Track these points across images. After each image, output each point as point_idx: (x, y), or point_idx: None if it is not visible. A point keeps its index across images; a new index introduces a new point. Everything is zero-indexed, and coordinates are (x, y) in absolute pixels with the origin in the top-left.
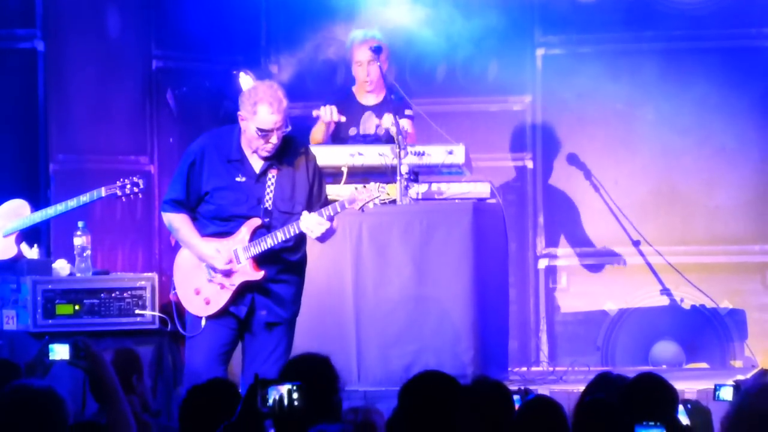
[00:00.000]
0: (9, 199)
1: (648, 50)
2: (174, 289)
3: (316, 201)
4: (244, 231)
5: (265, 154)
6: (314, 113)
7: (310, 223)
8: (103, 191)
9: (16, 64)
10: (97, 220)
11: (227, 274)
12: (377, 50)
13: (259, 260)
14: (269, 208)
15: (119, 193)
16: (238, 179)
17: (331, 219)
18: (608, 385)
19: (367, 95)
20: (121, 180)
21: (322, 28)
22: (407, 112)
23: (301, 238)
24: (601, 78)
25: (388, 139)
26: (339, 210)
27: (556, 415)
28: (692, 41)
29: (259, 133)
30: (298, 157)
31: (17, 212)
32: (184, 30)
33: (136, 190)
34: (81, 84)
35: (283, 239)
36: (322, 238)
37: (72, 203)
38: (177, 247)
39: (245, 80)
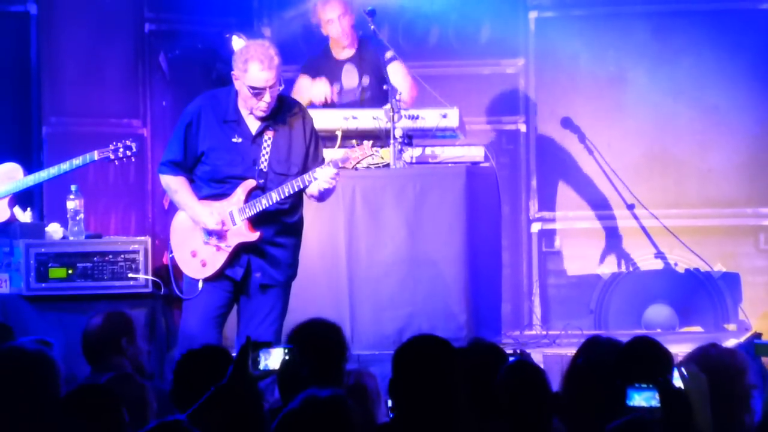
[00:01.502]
0: (2, 163)
1: (641, 13)
2: (171, 251)
3: (312, 162)
4: (240, 192)
5: (260, 113)
6: (306, 98)
7: (326, 174)
8: (96, 155)
9: (9, 27)
10: (90, 184)
11: (222, 235)
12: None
13: (255, 222)
14: (264, 170)
15: (112, 156)
16: (234, 140)
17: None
18: (598, 348)
19: (343, 50)
20: (114, 143)
21: None
22: (389, 54)
23: (297, 200)
24: (594, 41)
25: (372, 93)
26: (337, 166)
27: (536, 379)
28: (685, 3)
29: (252, 91)
30: (295, 118)
31: (10, 175)
32: None
33: (129, 153)
34: (73, 47)
35: (278, 200)
36: (323, 197)
37: (65, 166)
38: (170, 210)
39: (238, 43)
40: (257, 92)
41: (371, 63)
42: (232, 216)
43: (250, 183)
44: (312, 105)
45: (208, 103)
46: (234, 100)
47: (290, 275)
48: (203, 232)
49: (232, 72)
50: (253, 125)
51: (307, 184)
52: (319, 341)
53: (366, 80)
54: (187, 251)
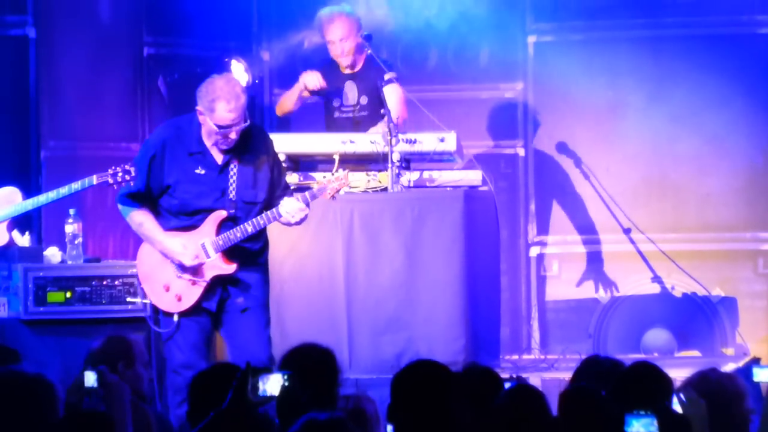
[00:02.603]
0: (0, 187)
1: (639, 37)
2: (140, 284)
3: (277, 186)
4: (210, 223)
5: (224, 147)
6: (301, 84)
7: (291, 209)
8: (94, 179)
9: (8, 51)
10: (88, 208)
11: (196, 269)
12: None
13: (228, 252)
14: (233, 199)
15: (111, 180)
16: (198, 171)
17: (307, 205)
18: (597, 368)
19: (346, 67)
20: (113, 167)
21: (314, 15)
22: (387, 76)
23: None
24: (593, 65)
25: (369, 113)
26: (310, 200)
27: (536, 403)
28: (684, 28)
29: (217, 130)
30: (257, 143)
31: (8, 199)
32: (176, 16)
33: (127, 177)
34: (72, 71)
35: (252, 232)
36: (297, 223)
37: (63, 191)
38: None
39: (237, 67)
40: (223, 131)
41: (372, 83)
42: (205, 248)
43: (221, 214)
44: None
45: (172, 134)
46: (197, 131)
47: (267, 294)
48: (175, 266)
49: (197, 107)
50: (218, 156)
51: (277, 218)
52: (311, 366)
53: (364, 99)
54: (159, 285)
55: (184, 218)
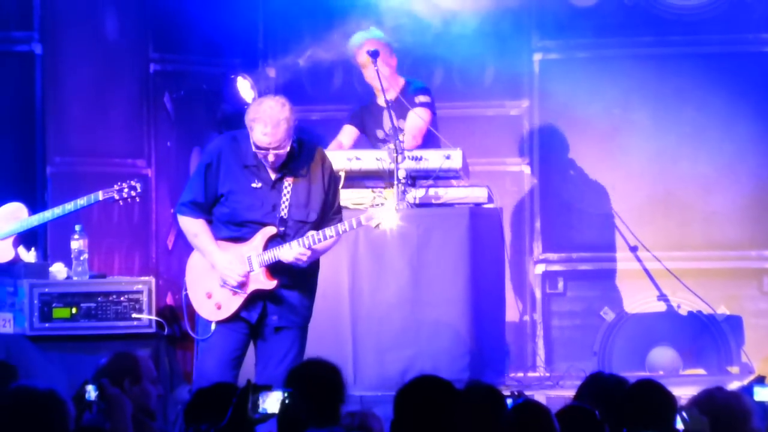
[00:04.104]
0: (6, 202)
1: (645, 55)
2: (185, 289)
3: (329, 208)
4: (259, 238)
5: (268, 165)
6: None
7: (288, 256)
8: (100, 195)
9: (14, 67)
10: (94, 224)
11: (242, 283)
12: (373, 54)
13: (272, 267)
14: (285, 217)
15: (116, 196)
16: (253, 185)
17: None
18: (601, 385)
19: (379, 95)
20: (119, 183)
21: (320, 32)
22: (418, 99)
23: None
24: (598, 83)
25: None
26: (354, 226)
27: (543, 419)
28: (689, 46)
29: (255, 148)
30: (314, 163)
31: (14, 215)
32: (182, 33)
33: (133, 193)
34: (78, 87)
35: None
36: (324, 252)
37: (69, 207)
38: (174, 250)
39: (243, 84)
40: (260, 151)
41: (406, 108)
42: (250, 261)
43: (271, 230)
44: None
45: (228, 144)
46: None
47: (306, 317)
48: (220, 276)
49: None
50: (272, 172)
51: (311, 245)
52: (316, 382)
53: (402, 123)
54: (203, 292)
55: (233, 228)
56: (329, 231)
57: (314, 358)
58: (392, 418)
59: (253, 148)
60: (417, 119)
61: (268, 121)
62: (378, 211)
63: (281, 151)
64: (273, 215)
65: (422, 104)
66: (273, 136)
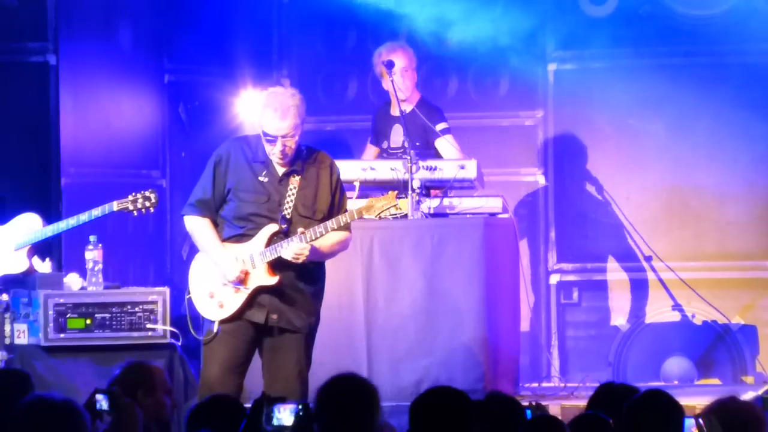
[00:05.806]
0: (21, 213)
1: (660, 65)
2: (188, 292)
3: (337, 212)
4: (262, 236)
5: (276, 160)
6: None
7: (289, 251)
8: (115, 205)
9: (29, 77)
10: (108, 234)
11: (241, 278)
12: (388, 65)
13: (276, 266)
14: (288, 215)
15: (131, 207)
16: (260, 178)
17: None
18: (612, 394)
19: (394, 107)
20: (133, 194)
21: (334, 42)
22: (438, 127)
23: None
24: (613, 93)
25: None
26: (356, 217)
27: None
28: (704, 56)
29: (265, 137)
30: (322, 168)
31: (29, 226)
32: (196, 44)
33: (148, 204)
34: (93, 98)
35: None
36: (328, 256)
37: (83, 217)
38: (189, 260)
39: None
40: (269, 139)
41: (419, 127)
42: (253, 258)
43: (273, 227)
44: None
45: (237, 144)
46: (263, 145)
47: (310, 323)
48: (222, 274)
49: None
50: (280, 169)
51: (328, 231)
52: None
53: (408, 143)
54: (205, 292)
55: (238, 226)
56: (330, 224)
57: (348, 373)
58: (407, 428)
59: (263, 140)
60: (449, 148)
61: (278, 107)
62: (378, 201)
63: (290, 141)
64: (278, 211)
65: (444, 131)
66: (284, 120)
